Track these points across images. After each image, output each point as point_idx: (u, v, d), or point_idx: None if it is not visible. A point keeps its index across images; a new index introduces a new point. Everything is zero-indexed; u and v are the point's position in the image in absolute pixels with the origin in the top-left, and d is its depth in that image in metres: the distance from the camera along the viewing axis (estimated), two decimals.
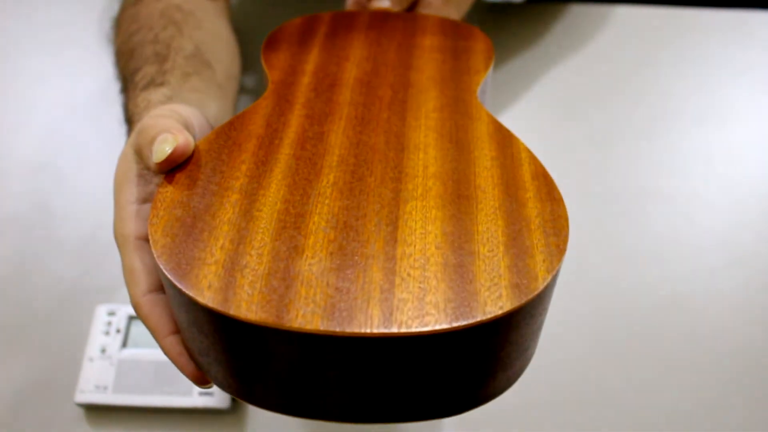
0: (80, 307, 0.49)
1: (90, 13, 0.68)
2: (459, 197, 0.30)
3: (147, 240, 0.33)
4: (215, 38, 0.48)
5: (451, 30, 0.43)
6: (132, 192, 0.34)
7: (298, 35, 0.42)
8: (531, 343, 0.29)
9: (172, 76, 0.42)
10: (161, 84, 0.42)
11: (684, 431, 0.44)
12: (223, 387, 0.30)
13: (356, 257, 0.27)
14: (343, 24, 0.43)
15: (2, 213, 0.54)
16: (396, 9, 0.47)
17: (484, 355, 0.27)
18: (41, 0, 0.72)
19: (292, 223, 0.28)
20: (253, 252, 0.27)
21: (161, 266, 0.27)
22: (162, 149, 0.31)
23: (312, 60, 0.39)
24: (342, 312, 0.25)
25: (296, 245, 0.28)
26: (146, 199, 0.34)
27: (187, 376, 0.31)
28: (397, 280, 0.26)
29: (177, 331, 0.32)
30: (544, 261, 0.27)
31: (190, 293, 0.26)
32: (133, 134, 0.35)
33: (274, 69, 0.39)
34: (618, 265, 0.52)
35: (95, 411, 0.45)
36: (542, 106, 0.62)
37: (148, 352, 0.46)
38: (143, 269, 0.32)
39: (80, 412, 0.45)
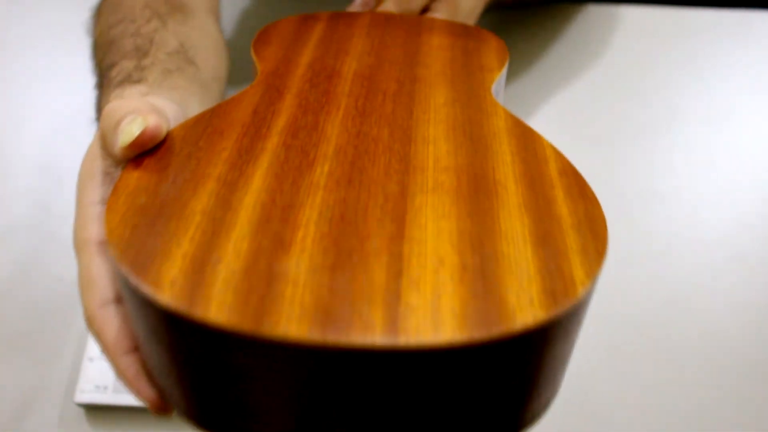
0: (80, 307, 0.47)
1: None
2: (476, 192, 0.25)
3: None
4: (202, 36, 0.44)
5: (459, 30, 0.40)
6: (96, 191, 0.29)
7: (293, 30, 0.38)
8: (562, 367, 0.25)
9: (150, 72, 0.38)
10: (138, 81, 0.38)
11: (684, 430, 0.42)
12: (187, 417, 0.24)
13: (355, 255, 0.22)
14: (343, 22, 0.40)
15: (2, 213, 0.54)
16: None
17: (510, 380, 0.22)
18: (42, 1, 0.72)
19: (279, 215, 0.24)
20: (229, 245, 0.22)
21: (115, 259, 0.22)
22: (129, 130, 0.27)
23: (307, 53, 0.35)
24: (336, 317, 0.20)
25: (282, 239, 0.23)
26: None
27: (145, 401, 0.26)
28: (405, 282, 0.21)
29: (137, 349, 0.27)
30: (581, 265, 0.23)
31: (148, 290, 0.21)
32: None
33: (264, 60, 0.35)
34: (619, 265, 0.51)
35: (95, 411, 0.44)
36: (543, 106, 0.61)
37: None
38: (102, 277, 0.27)
39: (80, 412, 0.44)
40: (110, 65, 0.40)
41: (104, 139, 0.29)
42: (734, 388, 0.44)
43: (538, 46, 0.66)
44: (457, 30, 0.40)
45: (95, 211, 0.29)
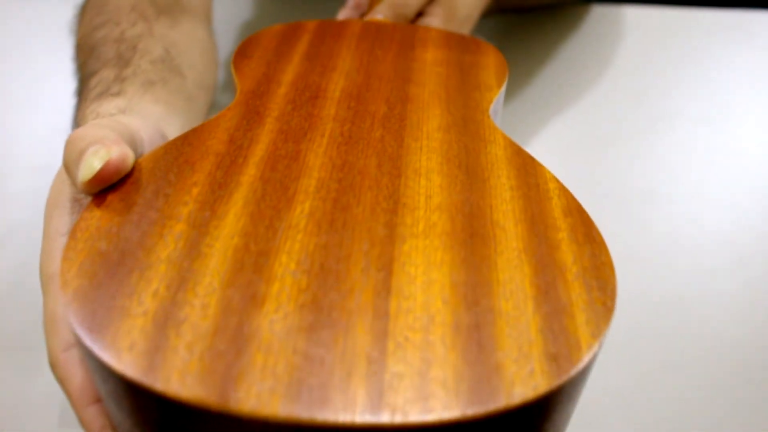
0: None
1: None
2: (472, 236, 0.23)
3: None
4: (190, 41, 0.42)
5: (456, 43, 0.37)
6: (63, 221, 0.27)
7: (276, 42, 0.36)
8: (563, 428, 0.22)
9: (131, 84, 0.36)
10: (117, 94, 0.35)
11: (683, 431, 0.41)
12: None
13: (335, 313, 0.20)
14: (331, 32, 0.37)
15: (2, 213, 0.53)
16: None
17: None
18: (42, 0, 0.71)
19: (252, 264, 0.21)
20: (196, 301, 0.20)
21: (70, 316, 0.20)
22: (90, 164, 0.24)
23: (291, 69, 0.33)
24: (313, 391, 0.18)
25: (255, 294, 0.20)
26: None
27: None
28: (391, 346, 0.19)
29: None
30: (587, 323, 0.20)
31: (104, 356, 0.19)
32: None
33: (245, 77, 0.32)
34: (618, 266, 0.50)
35: None
36: (541, 105, 0.61)
37: None
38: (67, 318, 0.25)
39: None
40: (91, 73, 0.38)
41: (67, 170, 0.26)
42: (734, 390, 0.43)
43: (537, 47, 0.65)
44: (453, 42, 0.37)
45: (62, 242, 0.27)
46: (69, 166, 0.26)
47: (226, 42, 0.63)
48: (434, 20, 0.43)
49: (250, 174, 0.25)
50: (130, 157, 0.25)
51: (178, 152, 0.26)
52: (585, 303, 0.21)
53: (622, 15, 0.70)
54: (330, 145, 0.27)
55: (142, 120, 0.31)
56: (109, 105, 0.34)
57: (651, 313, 0.47)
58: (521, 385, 0.18)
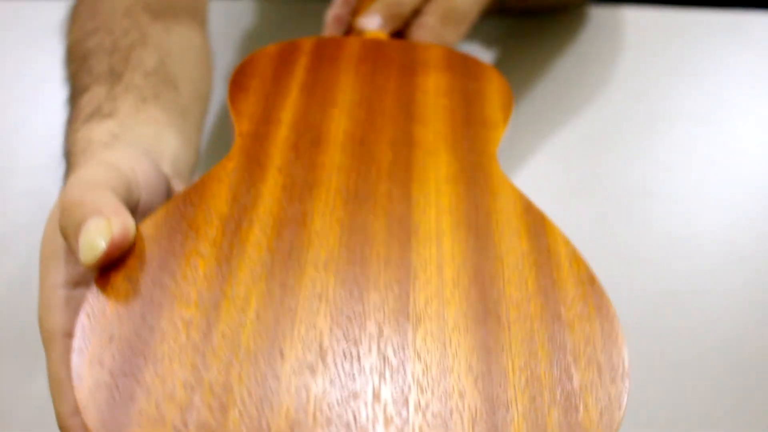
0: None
1: None
2: (486, 315, 0.23)
3: None
4: (185, 48, 0.41)
5: (459, 65, 0.36)
6: (59, 272, 0.26)
7: (272, 69, 0.34)
8: None
9: (124, 102, 0.35)
10: (109, 114, 0.34)
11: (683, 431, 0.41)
12: None
13: (352, 413, 0.20)
14: (328, 55, 0.36)
15: (3, 214, 0.53)
16: (386, 30, 0.41)
17: None
18: (42, 1, 0.70)
19: (266, 355, 0.21)
20: (214, 403, 0.20)
21: (87, 421, 0.19)
22: (93, 245, 0.23)
23: (290, 105, 0.32)
24: None
25: (272, 395, 0.20)
26: (79, 282, 0.26)
27: None
28: None
29: None
30: (601, 415, 0.20)
31: None
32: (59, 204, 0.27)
33: (242, 116, 0.31)
34: (618, 265, 0.50)
35: None
36: (542, 106, 0.60)
37: None
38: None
39: None
40: (82, 88, 0.37)
41: (64, 236, 0.26)
42: (734, 389, 0.44)
43: (536, 48, 0.65)
44: (455, 63, 0.36)
45: (60, 296, 0.26)
46: (68, 236, 0.25)
47: (225, 49, 0.61)
48: (430, 19, 0.42)
49: (256, 242, 0.25)
50: (131, 229, 0.24)
51: (180, 215, 0.26)
52: (598, 391, 0.21)
53: (621, 16, 0.69)
54: (336, 203, 0.26)
55: (136, 152, 0.30)
56: (101, 128, 0.34)
57: (650, 312, 0.47)
58: None
